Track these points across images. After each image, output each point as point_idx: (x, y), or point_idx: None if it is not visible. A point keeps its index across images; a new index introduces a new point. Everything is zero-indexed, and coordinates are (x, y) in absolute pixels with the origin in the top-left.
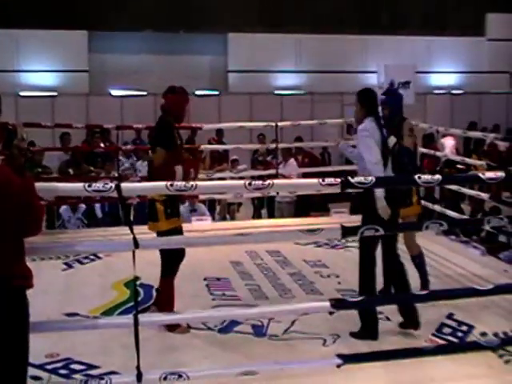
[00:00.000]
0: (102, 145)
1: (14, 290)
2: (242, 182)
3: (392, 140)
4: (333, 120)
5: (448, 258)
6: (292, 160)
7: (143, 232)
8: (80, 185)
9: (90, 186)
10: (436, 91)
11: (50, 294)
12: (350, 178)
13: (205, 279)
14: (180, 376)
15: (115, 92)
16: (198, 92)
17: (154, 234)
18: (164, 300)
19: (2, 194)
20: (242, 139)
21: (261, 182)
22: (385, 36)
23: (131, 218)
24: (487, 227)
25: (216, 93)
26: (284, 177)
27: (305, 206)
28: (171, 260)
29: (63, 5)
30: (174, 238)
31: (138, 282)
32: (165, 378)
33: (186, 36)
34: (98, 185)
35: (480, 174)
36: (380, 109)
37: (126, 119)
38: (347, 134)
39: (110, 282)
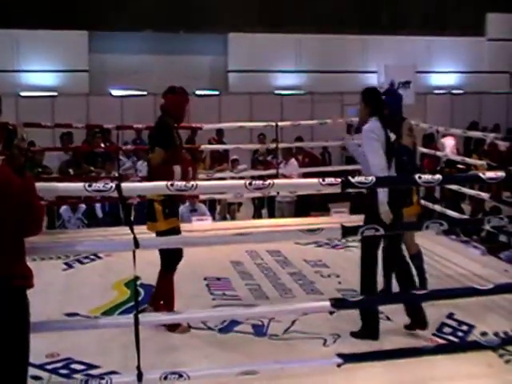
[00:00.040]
0: (102, 145)
1: (14, 289)
2: (242, 181)
3: (392, 137)
4: (328, 120)
5: (448, 257)
6: (293, 160)
7: (143, 232)
8: (80, 185)
9: (90, 185)
10: (436, 91)
11: (51, 293)
12: (350, 177)
13: (205, 279)
14: (180, 376)
15: (115, 92)
16: (198, 92)
17: (154, 234)
18: (163, 298)
19: (2, 193)
20: (242, 139)
21: (261, 181)
22: (385, 36)
23: (132, 217)
24: (487, 227)
25: (216, 93)
26: (285, 177)
27: (305, 205)
28: (170, 258)
29: (63, 5)
30: (175, 238)
31: (138, 282)
32: (165, 378)
33: (186, 36)
34: (99, 185)
35: (480, 174)
36: None
37: (126, 119)
38: (347, 134)
39: (111, 281)
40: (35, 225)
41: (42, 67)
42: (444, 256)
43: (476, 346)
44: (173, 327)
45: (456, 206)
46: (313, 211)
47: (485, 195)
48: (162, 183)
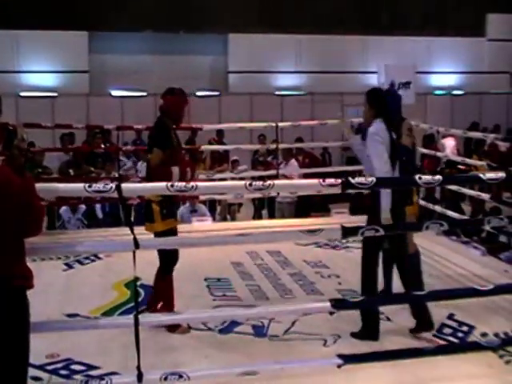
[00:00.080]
0: (102, 145)
1: (14, 290)
2: (242, 182)
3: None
4: (333, 120)
5: (448, 258)
6: (293, 160)
7: (144, 232)
8: (80, 185)
9: (90, 186)
10: (436, 91)
11: (51, 294)
12: (350, 178)
13: (205, 279)
14: (180, 376)
15: (115, 92)
16: (198, 92)
17: (153, 235)
18: (162, 300)
19: (2, 194)
20: (242, 140)
21: (261, 182)
22: (385, 36)
23: (132, 218)
24: (488, 227)
25: (216, 93)
26: (285, 177)
27: (305, 206)
28: (168, 260)
29: (63, 5)
30: (176, 238)
31: (138, 283)
32: (165, 378)
33: (186, 36)
34: (99, 185)
35: (481, 175)
36: None
37: (127, 120)
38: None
39: (111, 282)
40: (35, 225)
41: (42, 67)
42: (444, 256)
43: (476, 347)
44: (173, 328)
45: (456, 206)
46: (313, 212)
47: (485, 196)
48: (162, 184)
